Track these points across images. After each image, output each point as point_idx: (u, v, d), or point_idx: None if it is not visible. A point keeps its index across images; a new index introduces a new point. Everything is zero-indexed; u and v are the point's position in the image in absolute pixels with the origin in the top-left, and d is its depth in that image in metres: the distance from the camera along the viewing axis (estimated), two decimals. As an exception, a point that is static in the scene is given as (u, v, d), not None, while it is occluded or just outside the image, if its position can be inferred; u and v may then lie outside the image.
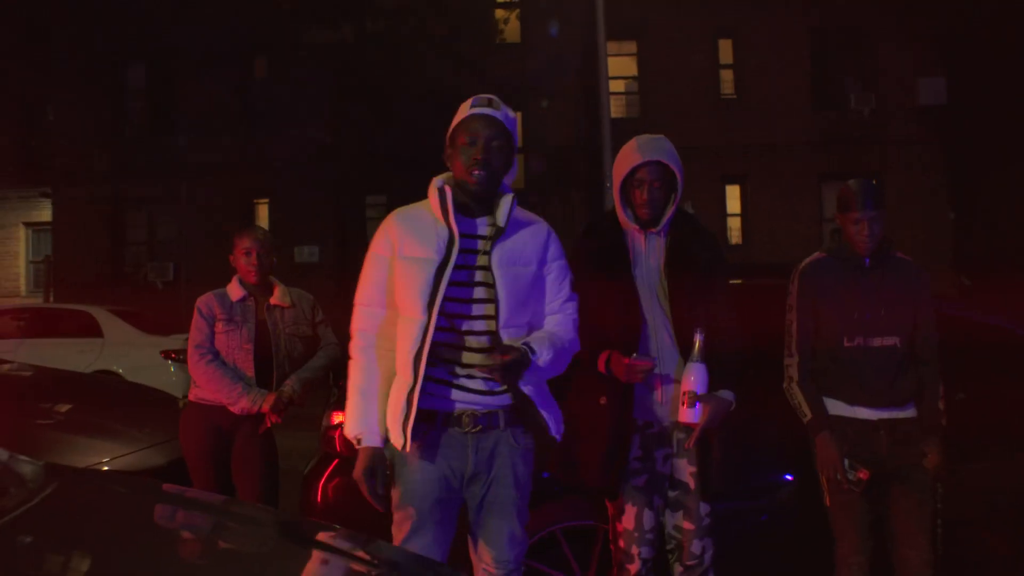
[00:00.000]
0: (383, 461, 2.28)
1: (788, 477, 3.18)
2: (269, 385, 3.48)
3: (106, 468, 3.91)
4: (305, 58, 14.28)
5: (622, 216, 2.82)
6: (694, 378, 2.59)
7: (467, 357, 2.26)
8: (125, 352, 9.63)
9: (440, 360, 2.25)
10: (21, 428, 4.01)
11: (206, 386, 3.44)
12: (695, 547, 2.69)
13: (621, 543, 2.73)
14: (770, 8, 15.98)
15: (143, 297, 14.66)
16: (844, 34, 16.42)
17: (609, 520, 2.79)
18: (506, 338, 2.25)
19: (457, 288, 2.25)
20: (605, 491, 2.72)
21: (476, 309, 2.26)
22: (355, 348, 2.35)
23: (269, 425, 3.48)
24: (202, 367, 3.41)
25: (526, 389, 2.28)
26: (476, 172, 2.27)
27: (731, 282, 2.90)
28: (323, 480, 3.22)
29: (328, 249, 15.94)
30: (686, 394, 2.59)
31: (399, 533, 2.30)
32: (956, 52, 15.09)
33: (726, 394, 2.65)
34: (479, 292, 2.27)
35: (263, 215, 17.34)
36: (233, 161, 16.41)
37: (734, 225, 16.81)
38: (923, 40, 15.63)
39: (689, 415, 2.60)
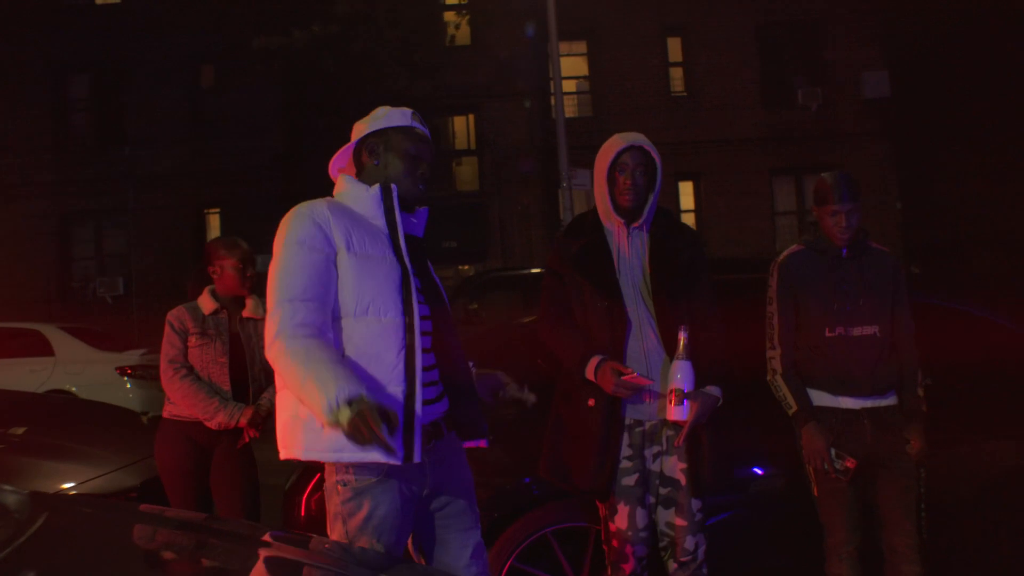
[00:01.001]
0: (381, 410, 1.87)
1: (758, 471, 3.20)
2: (246, 399, 3.39)
3: (74, 493, 3.78)
4: (255, 66, 14.04)
5: (604, 212, 2.82)
6: (681, 375, 2.59)
7: (425, 360, 2.14)
8: (79, 370, 9.35)
9: None
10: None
11: (181, 402, 3.34)
12: (688, 543, 2.70)
13: (615, 543, 2.72)
14: (718, 6, 16.21)
15: (93, 313, 14.31)
16: (791, 30, 16.72)
17: (601, 521, 2.78)
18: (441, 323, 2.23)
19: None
20: (597, 492, 2.70)
21: (423, 310, 2.16)
22: (292, 338, 1.95)
23: (247, 440, 3.40)
24: (177, 383, 3.32)
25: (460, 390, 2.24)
26: (419, 188, 2.26)
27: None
28: (306, 494, 3.15)
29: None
30: (673, 392, 2.59)
31: None
32: (899, 46, 15.49)
33: (713, 390, 2.66)
34: (421, 296, 2.18)
35: (215, 225, 17.02)
36: (183, 171, 16.07)
37: (688, 222, 16.98)
38: (867, 35, 16.01)
39: (677, 412, 2.60)
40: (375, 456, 1.93)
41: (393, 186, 2.20)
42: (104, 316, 14.16)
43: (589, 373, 2.65)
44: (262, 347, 3.40)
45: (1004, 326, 3.54)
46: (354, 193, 2.22)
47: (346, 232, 2.09)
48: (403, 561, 2.09)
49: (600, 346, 2.69)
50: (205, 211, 17.03)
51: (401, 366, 2.03)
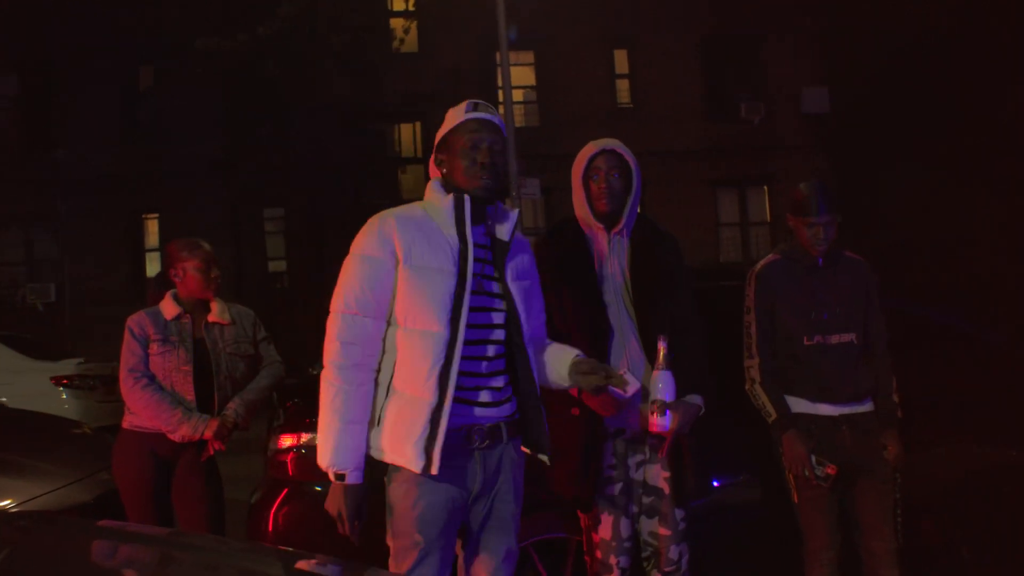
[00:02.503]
0: (367, 498, 2.14)
1: (715, 483, 3.19)
2: (210, 409, 3.24)
3: (16, 511, 3.56)
4: (195, 68, 13.70)
5: (583, 218, 2.79)
6: (661, 386, 2.56)
7: (476, 368, 2.17)
8: (9, 380, 8.90)
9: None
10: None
11: (142, 412, 3.18)
12: (672, 552, 2.67)
13: (598, 554, 2.68)
14: (664, 19, 16.47)
15: (23, 320, 13.75)
16: (734, 45, 17.10)
17: (583, 531, 2.74)
18: (520, 351, 2.23)
19: (472, 297, 2.16)
20: (581, 502, 2.66)
21: (491, 318, 2.20)
22: (335, 366, 2.12)
23: (212, 453, 3.25)
24: (137, 392, 3.15)
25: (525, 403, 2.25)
26: (485, 177, 2.19)
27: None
28: (273, 508, 3.03)
29: (224, 265, 15.28)
30: (655, 403, 2.56)
31: (402, 563, 2.14)
32: (838, 62, 15.96)
33: (694, 398, 2.64)
34: (494, 302, 2.22)
35: (153, 231, 16.54)
36: (118, 175, 15.55)
37: (633, 231, 17.16)
38: (807, 51, 16.46)
39: (660, 424, 2.56)
40: (401, 461, 2.10)
41: (466, 197, 2.20)
42: (35, 324, 13.62)
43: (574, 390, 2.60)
44: (228, 353, 3.29)
45: (966, 332, 3.63)
46: (433, 202, 2.25)
47: (408, 243, 2.15)
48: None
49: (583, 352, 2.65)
50: (143, 216, 16.55)
51: (435, 379, 2.09)
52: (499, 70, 12.19)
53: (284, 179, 14.53)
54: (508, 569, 2.25)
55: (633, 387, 2.28)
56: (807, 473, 2.81)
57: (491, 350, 2.20)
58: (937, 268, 12.79)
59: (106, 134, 15.62)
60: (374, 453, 2.15)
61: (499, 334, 2.22)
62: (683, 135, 16.53)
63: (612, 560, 2.66)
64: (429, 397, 2.09)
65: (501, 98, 12.42)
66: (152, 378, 3.19)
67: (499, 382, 2.23)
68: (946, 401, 3.46)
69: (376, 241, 2.16)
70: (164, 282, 3.38)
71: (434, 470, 2.07)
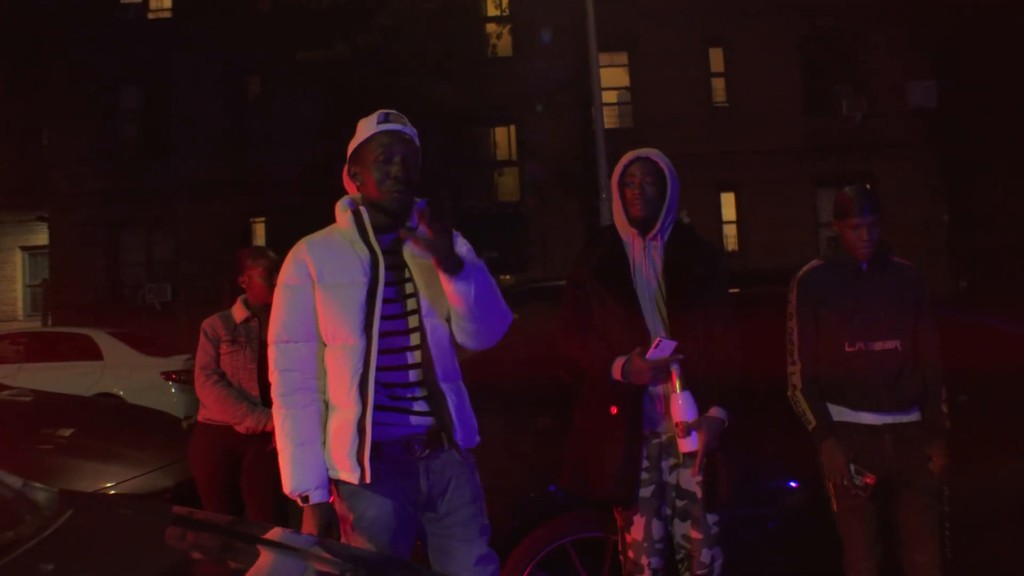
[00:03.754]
0: (335, 514, 2.19)
1: (792, 484, 3.19)
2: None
3: (112, 492, 3.92)
4: (298, 77, 14.32)
5: (620, 223, 2.86)
6: (681, 406, 2.60)
7: (407, 376, 2.21)
8: (126, 374, 9.61)
9: (379, 384, 2.17)
10: (24, 454, 4.01)
11: (212, 407, 3.46)
12: (704, 556, 2.70)
13: (631, 554, 2.74)
14: (760, 16, 16.09)
15: (141, 319, 14.66)
16: (834, 40, 16.52)
17: (618, 531, 2.80)
18: (432, 331, 2.22)
19: (388, 305, 2.20)
20: (619, 501, 2.72)
21: (410, 322, 2.23)
22: (279, 394, 2.20)
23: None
24: (208, 388, 3.44)
25: (450, 403, 2.24)
26: (397, 190, 2.21)
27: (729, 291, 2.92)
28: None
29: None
30: (679, 425, 2.61)
31: None
32: (945, 55, 15.22)
33: (718, 412, 2.67)
34: (411, 304, 2.24)
35: (260, 234, 17.35)
36: (228, 181, 16.41)
37: (730, 232, 16.85)
38: (912, 44, 15.74)
39: (687, 444, 2.61)
40: (343, 475, 2.16)
41: (362, 209, 2.25)
42: (152, 322, 14.51)
43: (616, 373, 2.67)
44: None
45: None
46: (339, 221, 2.30)
47: (319, 264, 2.22)
48: (415, 568, 2.13)
49: (621, 352, 2.71)
50: (250, 220, 17.38)
51: (355, 389, 2.15)
52: (590, 71, 12.23)
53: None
54: (485, 570, 2.23)
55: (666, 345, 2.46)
56: (845, 482, 2.78)
57: (413, 356, 2.22)
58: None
59: (217, 142, 16.52)
60: (328, 471, 2.19)
61: (418, 337, 2.23)
62: (782, 133, 16.10)
63: (644, 561, 2.72)
64: (354, 407, 2.14)
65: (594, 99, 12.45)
66: (222, 375, 3.46)
67: (417, 392, 2.24)
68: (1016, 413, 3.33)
69: (293, 269, 2.24)
70: (237, 287, 3.65)
71: (368, 479, 2.11)
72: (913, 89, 15.42)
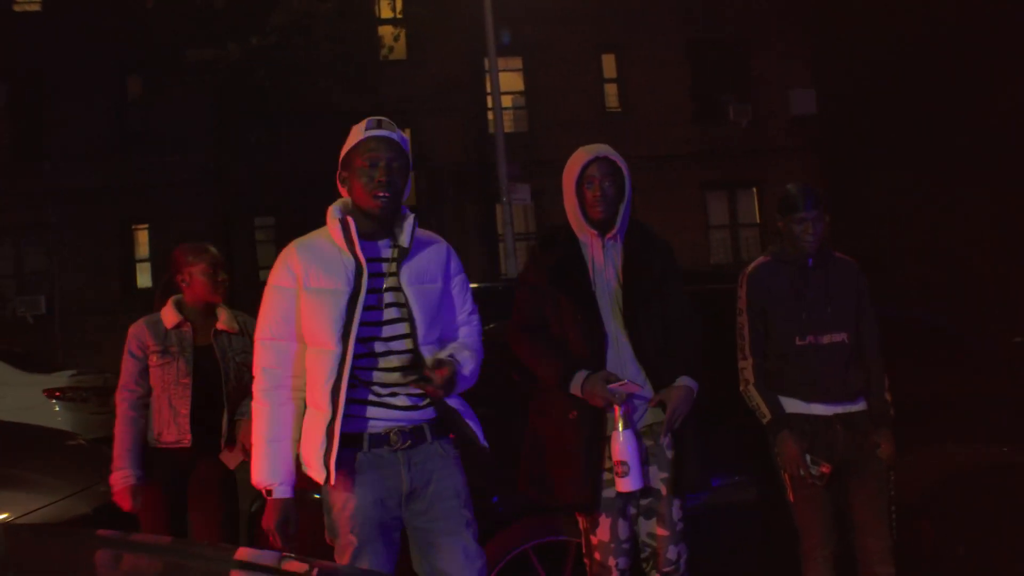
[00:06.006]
0: (295, 510, 2.28)
1: (731, 479, 3.24)
2: (219, 416, 3.21)
3: (16, 522, 3.56)
4: (185, 78, 13.69)
5: (577, 224, 2.82)
6: (622, 444, 2.58)
7: (387, 377, 2.27)
8: (2, 393, 8.87)
9: (360, 382, 2.26)
10: None
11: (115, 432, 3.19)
12: (671, 553, 2.70)
13: (597, 555, 2.70)
14: (651, 23, 16.55)
15: (14, 333, 13.66)
16: (721, 48, 17.20)
17: (582, 534, 2.76)
18: (426, 354, 2.29)
19: (369, 312, 2.26)
20: (582, 506, 2.69)
21: (390, 330, 2.29)
22: (259, 389, 2.30)
23: (245, 458, 3.20)
24: (118, 413, 3.17)
25: (451, 402, 2.33)
26: (381, 195, 2.26)
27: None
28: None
29: (215, 273, 15.33)
30: (617, 464, 2.59)
31: (341, 560, 2.25)
32: (825, 64, 16.06)
33: (686, 380, 2.69)
34: (391, 312, 2.30)
35: (143, 241, 16.51)
36: (108, 186, 15.50)
37: (624, 235, 17.20)
38: (793, 53, 16.57)
39: (625, 484, 2.60)
40: (312, 473, 2.27)
41: (347, 218, 2.30)
42: (25, 336, 13.55)
43: (575, 389, 2.64)
44: (237, 362, 3.25)
45: (955, 333, 3.67)
46: (328, 227, 2.35)
47: (306, 269, 2.29)
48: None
49: (579, 358, 2.68)
50: (133, 227, 16.50)
51: (328, 393, 2.23)
52: (487, 76, 12.26)
53: (275, 188, 14.53)
54: (471, 565, 2.28)
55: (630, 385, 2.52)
56: (802, 472, 2.84)
57: (397, 359, 2.28)
58: (926, 269, 12.90)
59: (95, 144, 15.56)
60: (303, 467, 2.30)
61: (404, 343, 2.30)
62: (672, 139, 16.61)
63: (611, 562, 2.69)
64: (325, 410, 2.23)
65: (490, 104, 12.47)
66: (140, 397, 3.18)
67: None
68: (939, 401, 3.51)
69: (283, 271, 2.32)
70: (170, 289, 3.35)
71: (332, 482, 2.21)
72: (795, 96, 16.23)
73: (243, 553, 2.14)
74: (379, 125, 2.30)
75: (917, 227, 13.68)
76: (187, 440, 3.14)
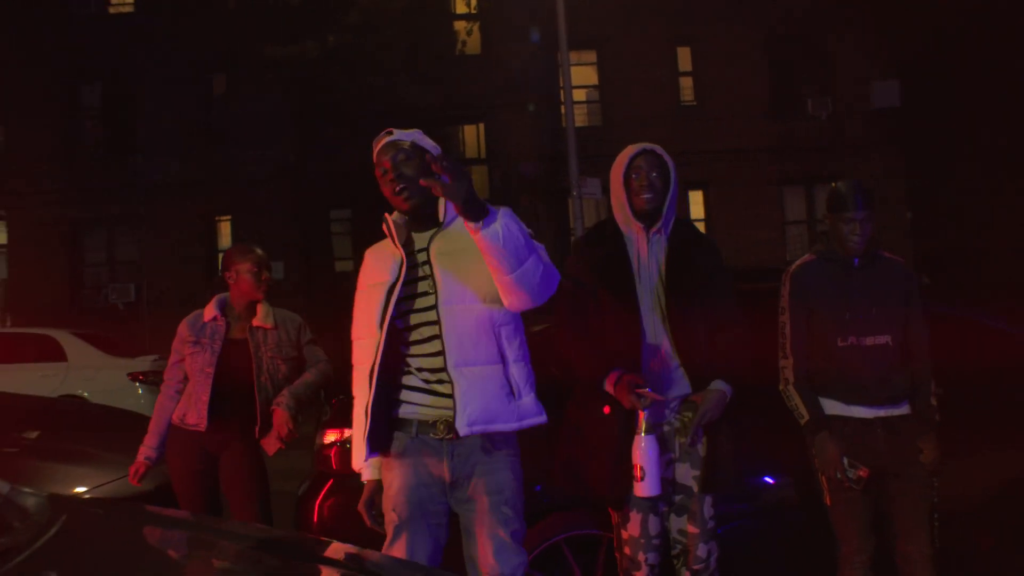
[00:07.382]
0: (380, 492, 2.43)
1: (769, 480, 3.20)
2: (250, 406, 3.41)
3: (87, 497, 3.79)
4: (266, 75, 14.13)
5: (623, 220, 2.84)
6: (643, 449, 2.57)
7: (431, 362, 2.33)
8: (91, 376, 9.40)
9: (413, 369, 2.36)
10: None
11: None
12: (701, 551, 2.70)
13: (627, 550, 2.72)
14: (728, 16, 16.23)
15: (105, 319, 14.35)
16: (800, 40, 16.73)
17: (613, 528, 2.78)
18: (447, 316, 2.30)
19: (406, 297, 2.36)
20: (613, 500, 2.71)
21: (422, 302, 2.36)
22: (355, 386, 2.48)
23: (282, 445, 3.42)
24: (159, 397, 3.54)
25: (459, 389, 2.29)
26: (398, 192, 2.37)
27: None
28: (319, 500, 3.17)
29: (292, 265, 15.80)
30: (636, 467, 2.58)
31: (387, 539, 2.37)
32: (909, 54, 15.48)
33: (720, 384, 2.67)
34: (423, 286, 2.37)
35: (226, 233, 17.09)
36: (194, 180, 16.15)
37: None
38: (876, 44, 16.01)
39: (642, 488, 2.58)
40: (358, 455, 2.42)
41: (387, 217, 2.46)
42: (116, 322, 14.22)
43: (608, 387, 2.66)
44: (271, 356, 3.45)
45: (1016, 335, 3.53)
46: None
47: (366, 269, 2.51)
48: (406, 565, 2.14)
49: (615, 353, 2.70)
50: (216, 219, 17.12)
51: (366, 378, 2.38)
52: (560, 70, 12.24)
53: (350, 181, 14.85)
54: (507, 565, 2.29)
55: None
56: (839, 476, 2.79)
57: (427, 330, 2.35)
58: (1014, 269, 12.31)
59: (183, 140, 16.23)
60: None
61: (431, 314, 2.35)
62: (748, 133, 16.26)
63: (641, 557, 2.70)
64: (365, 396, 2.37)
65: (563, 98, 12.46)
66: (176, 388, 3.51)
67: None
68: (996, 406, 3.39)
69: (360, 275, 2.54)
70: (222, 285, 3.57)
71: (366, 459, 2.39)
72: (878, 89, 15.68)
73: (263, 531, 2.25)
74: (382, 136, 2.44)
75: (1003, 223, 13.04)
76: (203, 425, 3.38)
